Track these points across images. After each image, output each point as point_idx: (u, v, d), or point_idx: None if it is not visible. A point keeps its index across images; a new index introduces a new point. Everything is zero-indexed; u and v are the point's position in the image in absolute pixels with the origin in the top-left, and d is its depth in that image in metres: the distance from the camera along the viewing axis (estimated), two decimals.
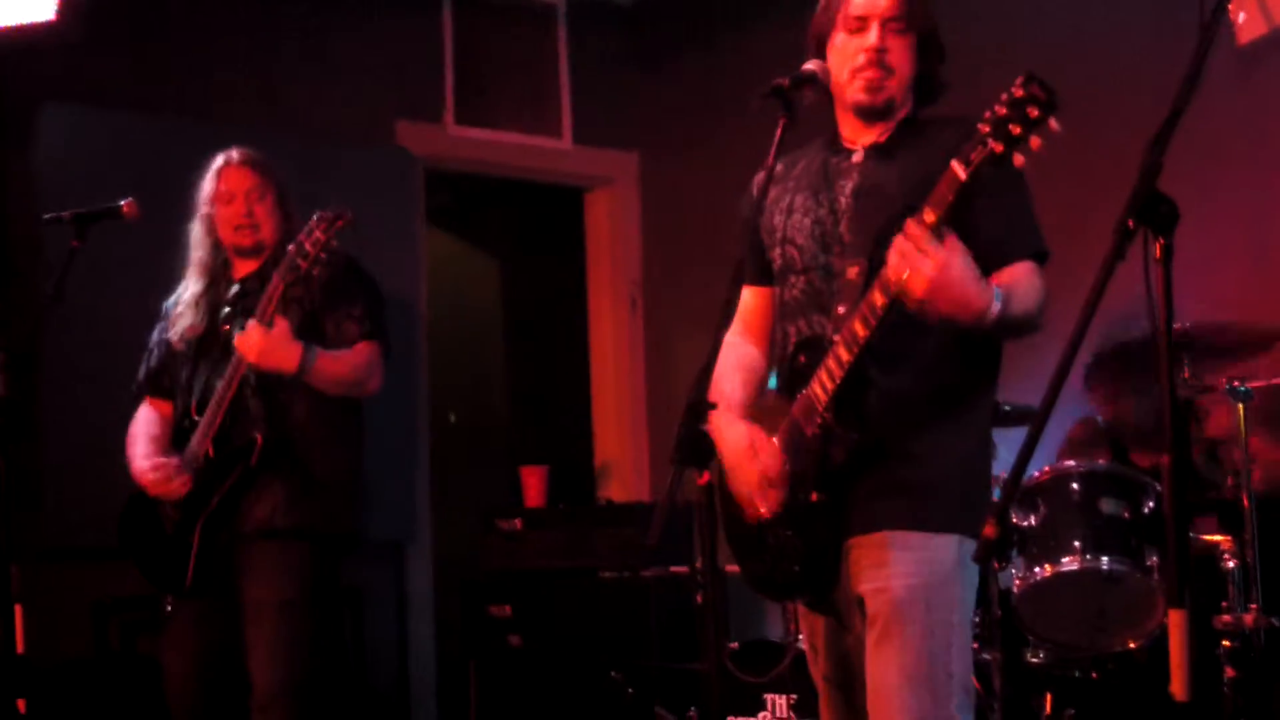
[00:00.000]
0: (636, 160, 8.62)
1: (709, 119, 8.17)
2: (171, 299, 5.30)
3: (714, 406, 3.31)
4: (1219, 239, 5.69)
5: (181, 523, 5.02)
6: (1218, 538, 4.98)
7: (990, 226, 3.44)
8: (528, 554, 7.26)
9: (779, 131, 3.48)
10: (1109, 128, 6.19)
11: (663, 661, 6.48)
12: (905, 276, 3.21)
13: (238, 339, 4.88)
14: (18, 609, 5.05)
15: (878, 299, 3.31)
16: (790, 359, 3.64)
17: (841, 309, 3.46)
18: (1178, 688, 2.59)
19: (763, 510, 3.60)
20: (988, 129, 3.08)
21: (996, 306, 3.32)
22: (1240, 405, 4.93)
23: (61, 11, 6.11)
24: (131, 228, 5.03)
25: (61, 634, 6.33)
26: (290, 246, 4.86)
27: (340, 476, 5.14)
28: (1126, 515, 5.01)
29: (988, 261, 3.40)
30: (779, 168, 3.72)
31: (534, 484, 7.77)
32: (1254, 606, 4.91)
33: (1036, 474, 5.15)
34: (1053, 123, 3.03)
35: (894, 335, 3.40)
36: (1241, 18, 5.53)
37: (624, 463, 8.51)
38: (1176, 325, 2.93)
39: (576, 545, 7.12)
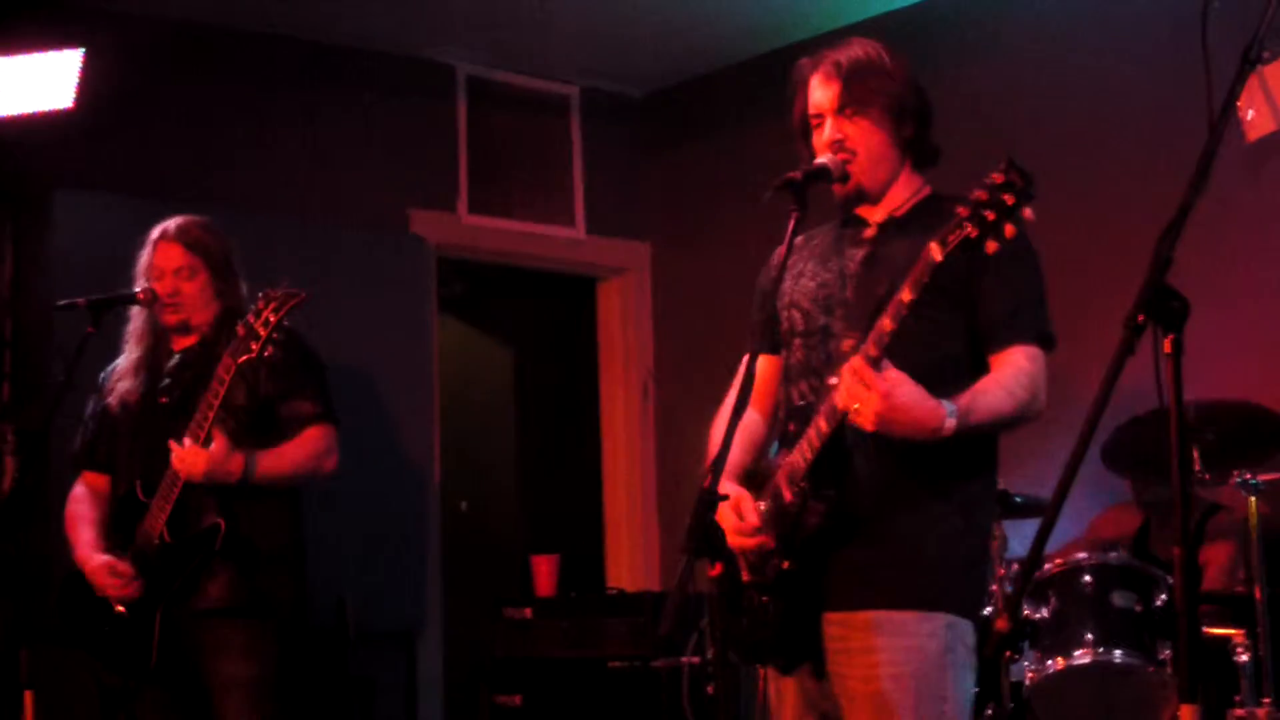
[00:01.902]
0: (649, 250, 8.65)
1: (720, 208, 8.22)
2: (108, 369, 5.21)
3: (725, 498, 3.30)
4: (1229, 332, 5.70)
5: (138, 605, 4.92)
6: (1230, 631, 4.97)
7: (992, 306, 3.48)
8: (538, 643, 7.24)
9: (791, 224, 3.49)
10: (1120, 218, 6.24)
11: None
12: (854, 408, 3.25)
13: (175, 458, 4.76)
14: (27, 695, 5.02)
15: (823, 425, 3.38)
16: (783, 428, 3.64)
17: (832, 380, 3.42)
18: None
19: (748, 569, 3.58)
20: (966, 212, 3.09)
21: (950, 423, 3.32)
22: (1252, 499, 4.94)
23: (79, 99, 6.17)
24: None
25: (70, 719, 6.31)
26: (239, 327, 4.73)
27: (285, 552, 5.08)
28: (1138, 608, 5.01)
29: (986, 341, 3.46)
30: (798, 242, 3.69)
31: (544, 573, 7.76)
32: (1266, 700, 4.89)
33: (1048, 566, 5.15)
34: (1027, 211, 3.05)
35: None
36: (1250, 115, 5.57)
37: (634, 552, 8.49)
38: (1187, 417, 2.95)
39: (586, 634, 7.11)
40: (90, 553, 5.02)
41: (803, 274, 3.73)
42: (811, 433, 3.43)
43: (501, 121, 8.20)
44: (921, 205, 3.67)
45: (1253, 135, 5.74)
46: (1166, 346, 2.62)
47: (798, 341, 3.70)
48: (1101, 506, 6.02)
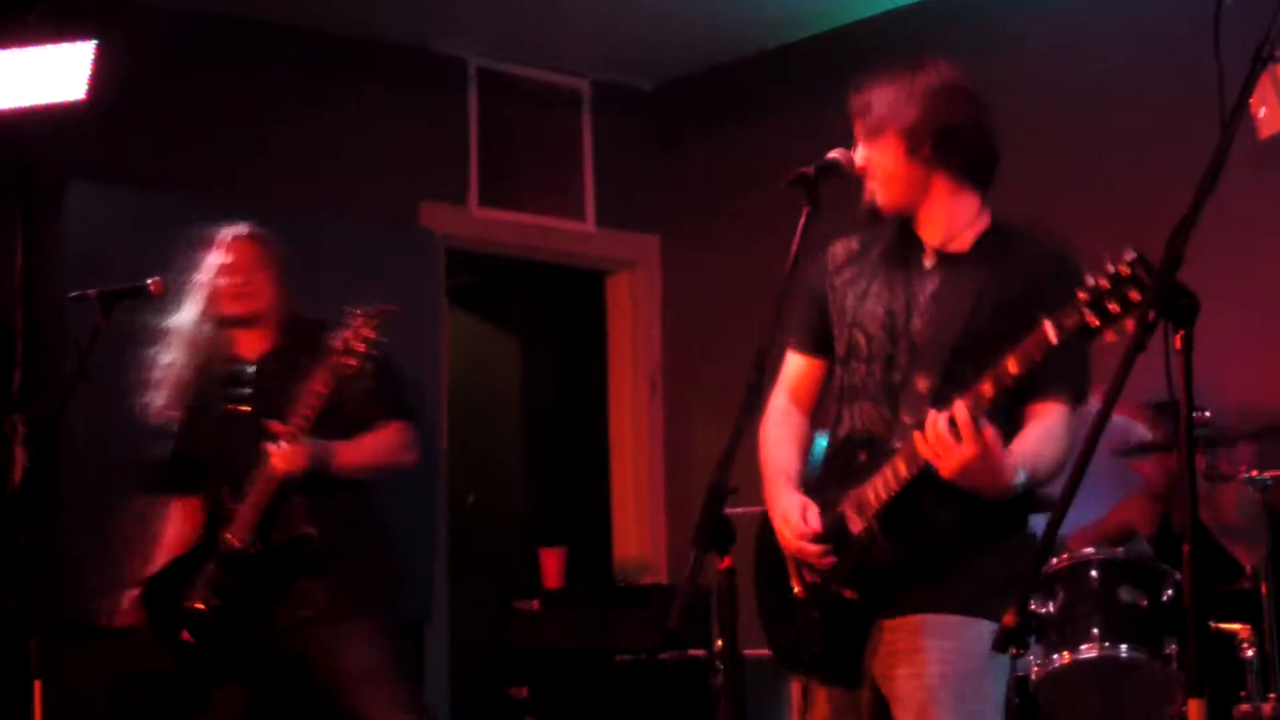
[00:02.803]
0: (658, 243, 8.67)
1: (731, 202, 8.23)
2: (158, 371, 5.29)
3: (735, 491, 3.32)
4: (1239, 329, 5.71)
5: (224, 609, 5.00)
6: (1236, 626, 4.98)
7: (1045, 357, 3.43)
8: (545, 635, 7.26)
9: (802, 220, 3.50)
10: (1130, 215, 6.25)
11: None
12: (937, 452, 3.33)
13: (274, 457, 4.86)
14: (37, 684, 5.04)
15: (902, 469, 3.45)
16: (846, 449, 3.69)
17: (907, 419, 3.52)
18: None
19: (801, 583, 3.67)
20: (1086, 298, 3.04)
21: (1019, 484, 3.45)
22: (1259, 494, 4.96)
23: (92, 91, 6.18)
24: (156, 305, 5.08)
25: (80, 710, 6.33)
26: (334, 342, 4.82)
27: (374, 547, 5.18)
28: (1145, 603, 5.01)
29: (1030, 390, 3.48)
30: (854, 246, 3.80)
31: (552, 565, 7.78)
32: (1272, 695, 4.91)
33: (1055, 561, 5.16)
34: (1151, 314, 2.84)
35: None
36: (1263, 113, 5.58)
37: (642, 545, 8.51)
38: (1196, 415, 2.97)
39: (594, 627, 7.13)
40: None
41: (866, 295, 3.74)
42: (889, 472, 3.49)
43: (512, 114, 8.21)
44: (984, 240, 3.67)
45: (1265, 133, 5.75)
46: (1177, 343, 2.64)
47: (859, 365, 3.71)
48: (1112, 501, 6.03)
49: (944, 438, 3.32)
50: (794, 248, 3.51)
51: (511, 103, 8.21)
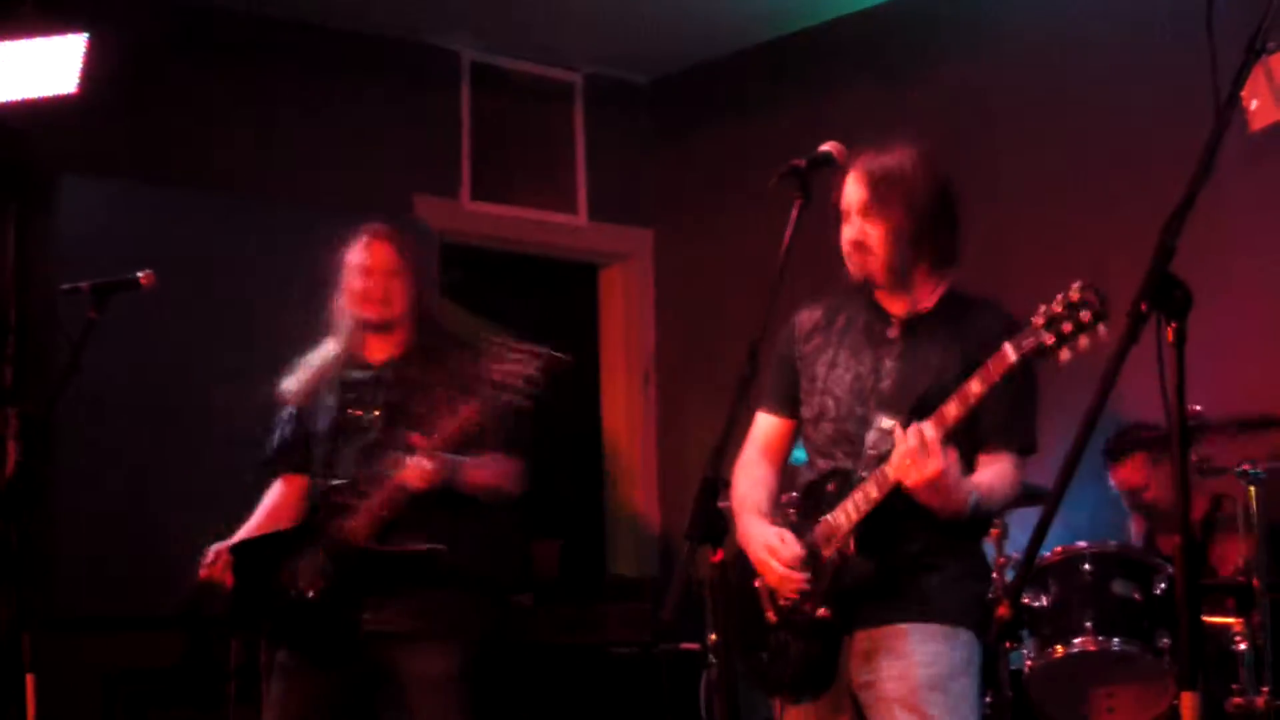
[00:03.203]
0: (651, 237, 8.67)
1: (723, 196, 8.22)
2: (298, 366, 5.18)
3: (728, 484, 3.38)
4: (1229, 322, 5.70)
5: (328, 597, 4.91)
6: (1229, 620, 4.98)
7: (993, 411, 3.72)
8: (539, 628, 7.25)
9: (795, 213, 3.59)
10: (1122, 208, 6.25)
11: None
12: (906, 465, 3.57)
13: (410, 470, 4.73)
14: (29, 679, 5.03)
15: (873, 492, 3.69)
16: (818, 485, 3.90)
17: (872, 451, 3.78)
18: None
19: (774, 609, 3.86)
20: (1041, 321, 3.41)
21: (969, 508, 3.70)
22: (1251, 488, 4.96)
23: (83, 85, 6.17)
24: (148, 298, 5.06)
25: (72, 705, 6.32)
26: (494, 374, 4.68)
27: (486, 578, 5.18)
28: (1138, 597, 5.01)
29: (981, 441, 3.80)
30: (818, 316, 4.08)
31: (546, 558, 7.77)
32: (1265, 689, 4.90)
33: (1048, 555, 5.15)
34: (1102, 329, 3.34)
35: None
36: (1254, 105, 5.56)
37: (636, 538, 8.51)
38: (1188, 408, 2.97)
39: (587, 620, 7.12)
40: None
41: (836, 364, 3.98)
42: (859, 497, 3.73)
43: (505, 108, 8.21)
44: (943, 304, 3.94)
45: (1256, 125, 5.74)
46: (1169, 335, 2.64)
47: (828, 425, 3.96)
48: (1102, 498, 6.03)
49: (914, 450, 3.55)
50: (786, 239, 3.58)
51: (504, 96, 8.20)
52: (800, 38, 7.90)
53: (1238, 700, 4.90)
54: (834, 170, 3.76)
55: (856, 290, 3.99)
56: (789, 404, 4.09)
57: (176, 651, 6.68)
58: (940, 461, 3.55)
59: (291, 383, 5.14)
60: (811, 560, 3.79)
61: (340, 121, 7.65)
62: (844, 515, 3.75)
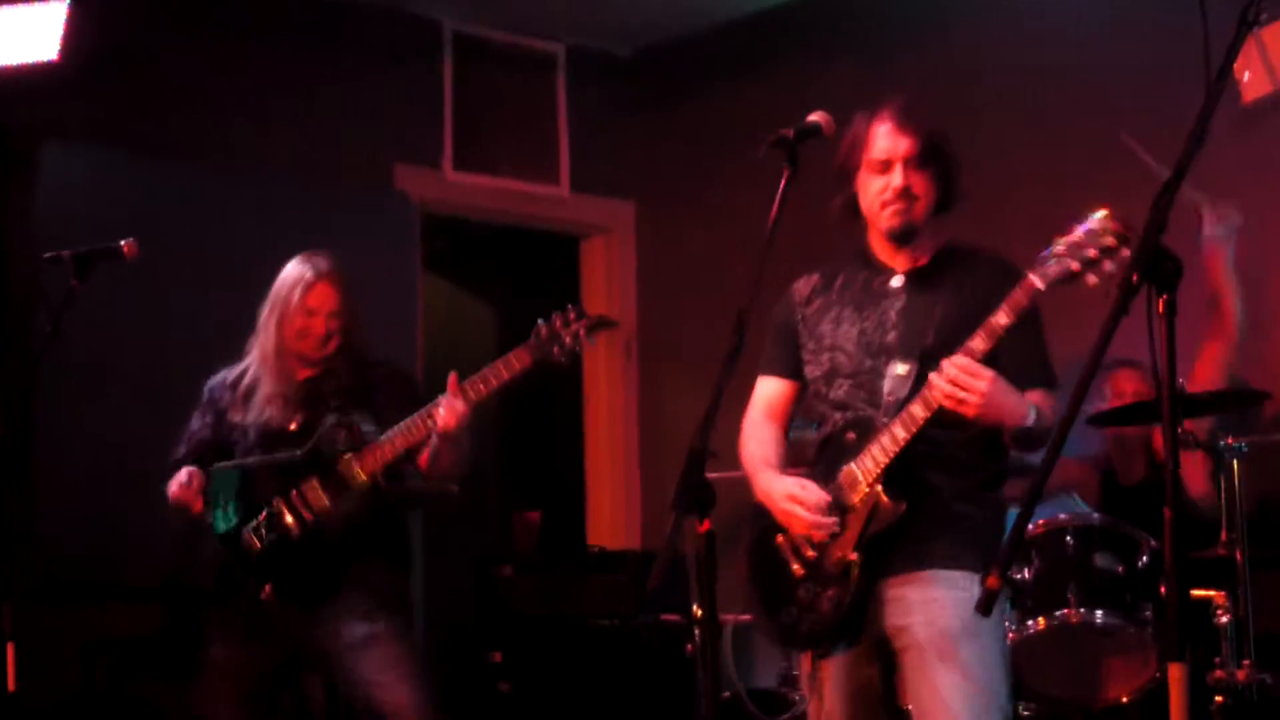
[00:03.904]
0: (633, 209, 8.65)
1: (705, 168, 8.21)
2: (219, 380, 5.30)
3: (714, 455, 3.38)
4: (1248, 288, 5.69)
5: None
6: (1211, 592, 4.99)
7: (1020, 355, 3.86)
8: (519, 600, 7.24)
9: (783, 183, 3.61)
10: (1110, 184, 6.22)
11: (654, 709, 6.46)
12: (960, 397, 3.66)
13: (445, 408, 4.86)
14: (10, 648, 5.01)
15: (926, 407, 3.75)
16: (837, 435, 3.98)
17: (890, 397, 3.87)
18: None
19: (799, 561, 3.90)
20: (1064, 250, 3.51)
21: (1030, 419, 3.78)
22: (1234, 461, 4.96)
23: (64, 52, 6.14)
24: (130, 267, 5.03)
25: (52, 674, 6.31)
26: (541, 328, 4.97)
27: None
28: (1120, 569, 5.01)
29: (1014, 382, 3.80)
30: (815, 281, 4.17)
31: (526, 530, 7.77)
32: (1246, 662, 4.91)
33: (1031, 527, 5.15)
34: (1126, 253, 3.39)
35: (932, 430, 3.80)
36: (1246, 76, 5.57)
37: (616, 510, 8.51)
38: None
39: (568, 592, 7.12)
40: None
41: (841, 320, 4.07)
42: (884, 439, 3.82)
43: (488, 78, 8.18)
44: (944, 256, 4.06)
45: (1249, 97, 5.76)
46: (1160, 307, 2.64)
47: (842, 380, 4.03)
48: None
49: (961, 376, 3.65)
50: (775, 209, 3.60)
51: (487, 67, 8.17)
52: (784, 11, 7.87)
53: (1219, 674, 4.91)
54: (822, 141, 3.75)
55: (850, 254, 4.10)
56: (792, 368, 4.17)
57: (156, 622, 6.67)
58: (988, 376, 3.64)
59: (242, 403, 5.22)
60: (838, 505, 3.87)
61: (322, 91, 7.61)
62: (870, 459, 3.83)
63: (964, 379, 3.64)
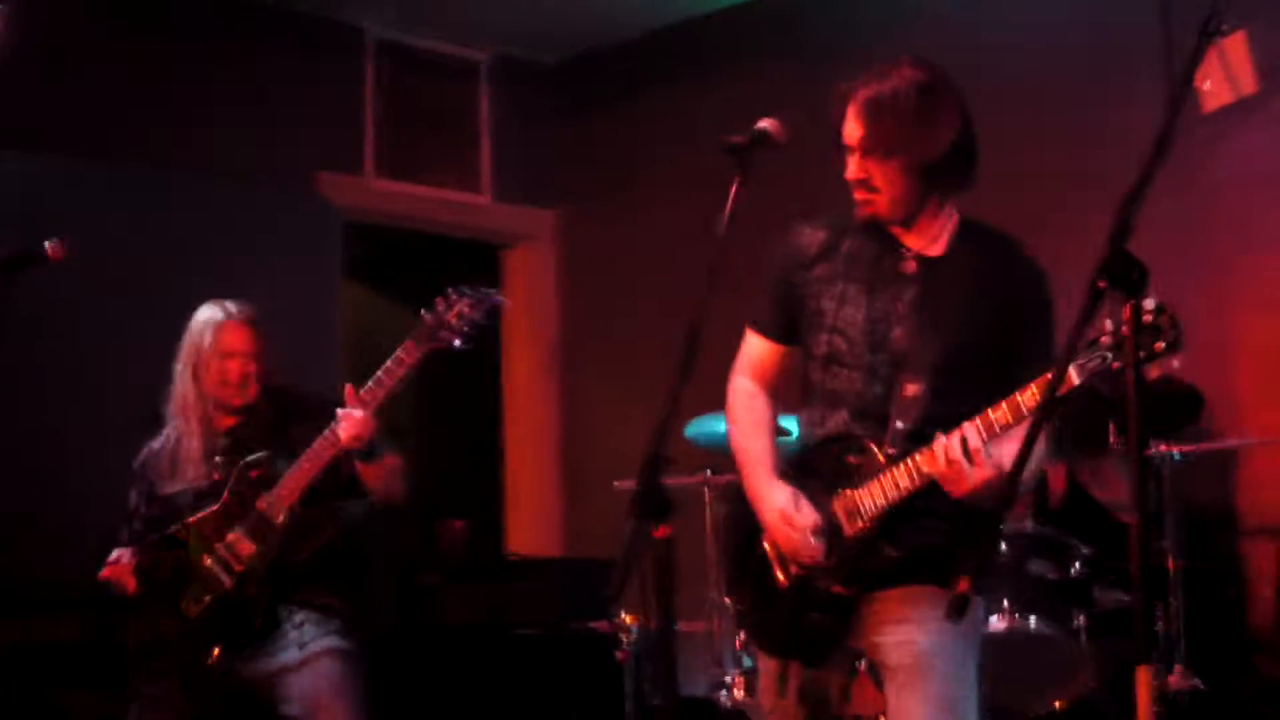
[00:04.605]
0: (555, 218, 8.65)
1: (628, 179, 8.23)
2: (146, 452, 5.22)
3: (673, 461, 3.32)
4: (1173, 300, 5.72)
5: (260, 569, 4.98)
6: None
7: (1028, 353, 3.60)
8: (445, 609, 7.21)
9: (734, 190, 3.47)
10: (1065, 193, 6.25)
11: (583, 717, 6.45)
12: (951, 476, 3.49)
13: (344, 421, 4.77)
14: None
15: (905, 482, 3.60)
16: (833, 448, 3.78)
17: (899, 424, 3.66)
18: None
19: (784, 574, 3.78)
20: (1109, 342, 3.25)
21: (1018, 496, 3.79)
22: (1164, 471, 5.02)
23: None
24: (58, 273, 4.93)
25: None
26: (425, 316, 4.84)
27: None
28: (1054, 576, 5.06)
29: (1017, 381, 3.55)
30: (822, 236, 3.86)
31: (451, 538, 7.73)
32: (1178, 667, 4.96)
33: None
34: (1176, 362, 3.15)
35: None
36: (1207, 85, 5.61)
37: (537, 518, 8.49)
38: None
39: (493, 601, 7.09)
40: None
41: (845, 298, 3.80)
42: (888, 482, 3.64)
43: (410, 85, 8.15)
44: (958, 240, 3.78)
45: (1209, 106, 5.79)
46: (1126, 313, 2.65)
47: (841, 370, 3.79)
48: None
49: (959, 462, 3.48)
50: (726, 217, 3.48)
51: (410, 74, 8.14)
52: (713, 19, 7.88)
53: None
54: (771, 147, 3.66)
55: (854, 221, 3.81)
56: (788, 329, 3.91)
57: (76, 630, 6.58)
58: (988, 471, 3.47)
59: (165, 469, 5.14)
60: (829, 532, 3.73)
61: (243, 96, 7.56)
62: (869, 498, 3.68)
63: (960, 468, 3.49)
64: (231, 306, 5.13)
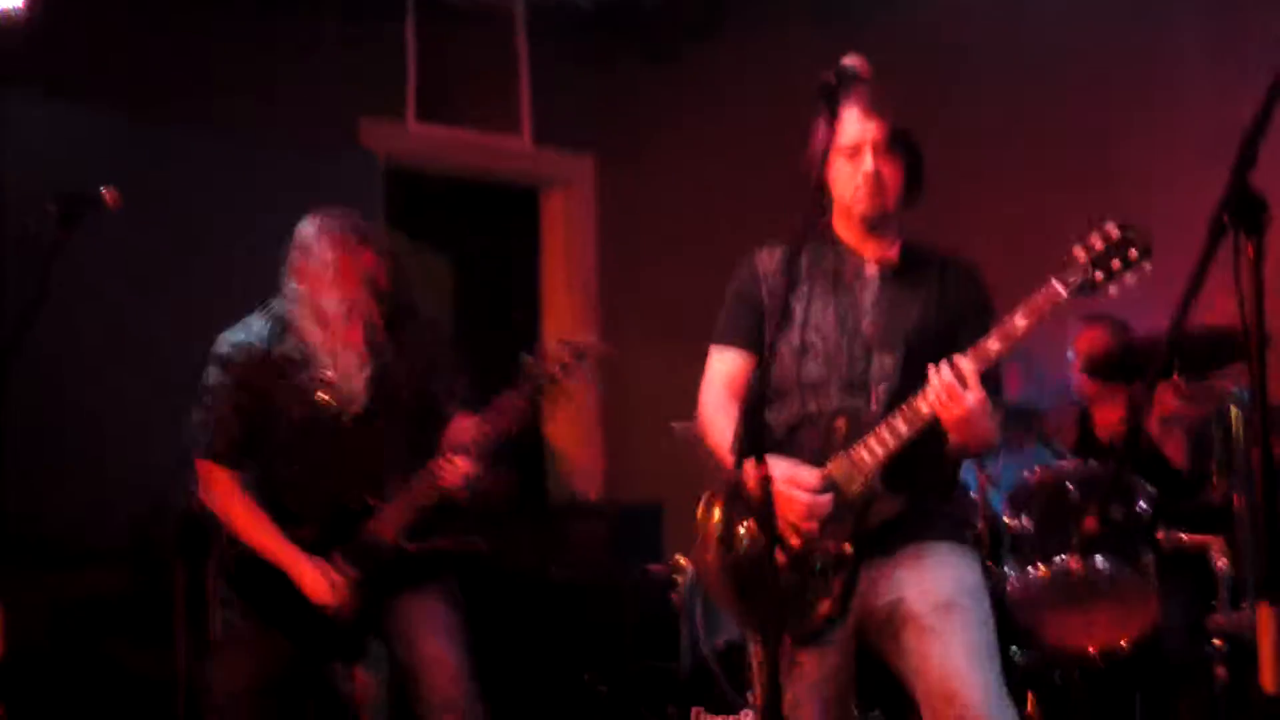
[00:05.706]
0: (593, 162, 8.62)
1: (667, 123, 8.21)
2: (241, 346, 4.89)
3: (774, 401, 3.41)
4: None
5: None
6: (1208, 538, 5.03)
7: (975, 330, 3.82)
8: (494, 557, 7.20)
9: (822, 128, 3.60)
10: (1075, 157, 6.22)
11: (638, 661, 6.45)
12: (943, 399, 3.65)
13: (448, 471, 4.72)
14: None
15: (902, 427, 3.75)
16: (816, 422, 3.91)
17: (882, 387, 3.86)
18: (1268, 679, 2.59)
19: (802, 532, 3.80)
20: (1086, 258, 3.57)
21: (995, 447, 4.06)
22: (1234, 409, 5.00)
23: (30, 2, 6.06)
24: (98, 221, 4.84)
25: (22, 634, 6.22)
26: (533, 368, 4.85)
27: None
28: (1120, 516, 5.05)
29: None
30: (781, 253, 4.06)
31: (501, 489, 7.72)
32: (1245, 605, 4.95)
33: (1029, 476, 5.19)
34: (1148, 266, 3.51)
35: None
36: None
37: (579, 463, 8.50)
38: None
39: (540, 544, 7.09)
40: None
41: (813, 297, 4.00)
42: (884, 432, 3.77)
43: (450, 32, 8.10)
44: (909, 256, 4.03)
45: None
46: (1249, 251, 2.62)
47: (817, 357, 3.96)
48: None
49: (953, 385, 3.63)
50: (818, 156, 3.66)
51: (449, 21, 8.09)
52: None
53: (1219, 619, 4.95)
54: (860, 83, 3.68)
55: (812, 235, 4.01)
56: (754, 340, 4.05)
57: (125, 583, 6.59)
58: (979, 393, 3.63)
59: (235, 356, 4.91)
60: (831, 490, 3.81)
61: (285, 46, 7.53)
62: (867, 452, 3.79)
63: (956, 390, 3.64)
64: (358, 223, 4.96)
